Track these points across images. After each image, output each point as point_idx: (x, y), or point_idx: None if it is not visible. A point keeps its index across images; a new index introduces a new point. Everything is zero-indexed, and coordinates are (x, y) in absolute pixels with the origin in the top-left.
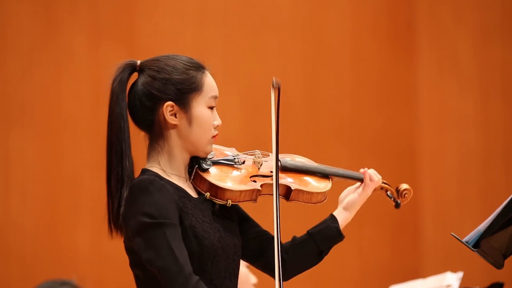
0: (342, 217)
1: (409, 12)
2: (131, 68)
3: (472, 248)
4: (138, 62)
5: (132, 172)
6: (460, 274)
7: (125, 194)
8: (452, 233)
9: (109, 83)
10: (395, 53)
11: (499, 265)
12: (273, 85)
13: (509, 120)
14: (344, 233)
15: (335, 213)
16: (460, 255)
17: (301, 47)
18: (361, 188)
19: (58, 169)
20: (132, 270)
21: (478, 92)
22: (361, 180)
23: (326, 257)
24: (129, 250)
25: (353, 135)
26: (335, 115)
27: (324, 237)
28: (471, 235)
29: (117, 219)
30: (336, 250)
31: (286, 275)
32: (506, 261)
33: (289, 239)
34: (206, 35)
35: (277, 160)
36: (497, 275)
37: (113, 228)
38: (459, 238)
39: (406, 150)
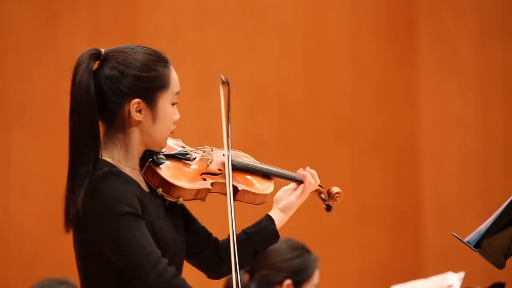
0: (279, 218)
1: (409, 12)
2: (96, 57)
3: (474, 248)
4: (103, 51)
5: (98, 165)
6: (461, 274)
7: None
8: (453, 233)
9: (71, 72)
10: (396, 53)
11: (500, 265)
12: (222, 82)
13: (510, 120)
14: (343, 231)
15: (271, 214)
16: (461, 255)
17: (301, 47)
18: (299, 191)
19: (59, 169)
20: (81, 263)
21: (479, 92)
22: (300, 182)
23: (326, 257)
24: (82, 242)
25: (354, 135)
26: (335, 115)
27: (261, 238)
28: (473, 235)
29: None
30: (336, 250)
31: (221, 274)
32: (508, 261)
33: (224, 236)
34: (207, 35)
35: (229, 160)
36: (498, 275)
37: (71, 222)
38: (461, 238)
39: (407, 150)
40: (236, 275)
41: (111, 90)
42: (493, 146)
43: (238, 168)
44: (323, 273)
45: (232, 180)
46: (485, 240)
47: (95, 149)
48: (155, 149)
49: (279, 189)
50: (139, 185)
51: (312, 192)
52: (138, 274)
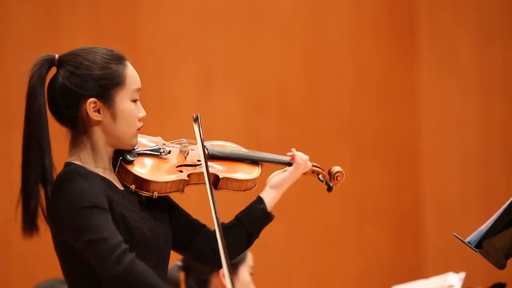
0: (269, 196)
1: (410, 12)
2: (50, 63)
3: (474, 249)
4: (56, 56)
5: (53, 170)
6: (462, 275)
7: (48, 192)
8: (454, 234)
9: (26, 79)
10: (396, 53)
11: (501, 266)
12: (194, 120)
13: (510, 120)
14: (344, 231)
15: (261, 194)
16: (461, 255)
17: (301, 47)
18: (291, 168)
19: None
20: (64, 264)
21: (479, 92)
22: (289, 164)
23: (326, 256)
24: (60, 244)
25: (354, 135)
26: (336, 115)
27: (251, 220)
28: (473, 236)
29: (33, 219)
30: (336, 250)
31: (216, 265)
32: (508, 262)
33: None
34: (207, 35)
35: (205, 154)
36: (498, 275)
37: (28, 228)
38: (461, 239)
39: (407, 150)
40: (226, 263)
41: (65, 93)
42: (493, 146)
43: (219, 157)
44: (323, 273)
45: (212, 169)
46: (485, 240)
47: (44, 154)
48: (124, 147)
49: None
50: (110, 182)
51: (309, 174)
52: (98, 261)
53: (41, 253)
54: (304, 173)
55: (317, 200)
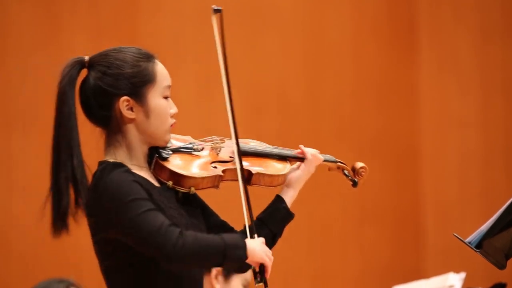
0: (288, 195)
1: (410, 12)
2: (80, 65)
3: (475, 249)
4: (87, 58)
5: (83, 170)
6: (462, 275)
7: (82, 191)
8: (454, 234)
9: (56, 81)
10: (396, 53)
11: (501, 266)
12: (213, 12)
13: (510, 120)
14: (344, 231)
15: (280, 193)
16: (461, 255)
17: (301, 47)
18: (303, 165)
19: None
20: (102, 264)
21: (479, 92)
22: (301, 160)
23: (327, 257)
24: (100, 241)
25: (354, 135)
26: (336, 115)
27: (275, 220)
28: (474, 236)
29: (63, 218)
30: (337, 250)
31: (244, 266)
32: (509, 262)
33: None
34: (207, 35)
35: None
36: (499, 275)
37: (58, 227)
38: (462, 239)
39: (407, 150)
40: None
41: (98, 93)
42: (493, 146)
43: (250, 153)
44: (324, 273)
45: (245, 165)
46: (486, 240)
47: (73, 155)
48: (158, 144)
49: None
50: (146, 180)
51: (333, 170)
52: (156, 249)
53: (41, 253)
54: (329, 170)
55: (318, 200)
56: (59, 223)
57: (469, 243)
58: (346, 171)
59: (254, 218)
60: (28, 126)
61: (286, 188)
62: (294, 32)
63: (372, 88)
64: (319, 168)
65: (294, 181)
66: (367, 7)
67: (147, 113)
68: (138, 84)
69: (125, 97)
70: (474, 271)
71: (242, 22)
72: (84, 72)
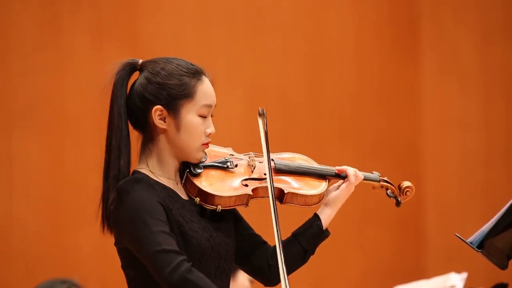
0: (326, 213)
1: (411, 13)
2: (132, 66)
3: (476, 249)
4: (140, 61)
5: (127, 171)
6: (464, 275)
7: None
8: (456, 234)
9: (110, 80)
10: (397, 53)
11: (503, 266)
12: (259, 114)
13: (511, 121)
14: (345, 231)
15: (318, 211)
16: (463, 255)
17: (303, 47)
18: (344, 185)
19: (61, 170)
20: (125, 271)
21: (480, 92)
22: (343, 178)
23: (328, 257)
24: (122, 251)
25: (356, 136)
26: (337, 115)
27: (307, 237)
28: (475, 236)
29: (109, 215)
30: (338, 250)
31: (273, 281)
32: (510, 262)
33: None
34: (209, 36)
35: (269, 166)
36: (500, 275)
37: (105, 223)
38: (463, 239)
39: (409, 150)
40: (283, 278)
41: (138, 97)
42: (494, 146)
43: (286, 171)
44: (325, 273)
45: (277, 183)
46: (488, 240)
47: (120, 154)
48: (189, 160)
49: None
50: (173, 192)
51: (377, 188)
52: (156, 271)
53: (41, 253)
54: (373, 188)
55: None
56: (109, 219)
57: (471, 243)
58: (389, 191)
59: (290, 234)
60: (29, 126)
61: (324, 206)
62: (295, 32)
63: (373, 89)
64: (362, 185)
65: (332, 200)
66: (368, 8)
67: (178, 127)
68: (175, 96)
69: (158, 106)
70: (476, 271)
71: (243, 22)
72: (136, 75)
